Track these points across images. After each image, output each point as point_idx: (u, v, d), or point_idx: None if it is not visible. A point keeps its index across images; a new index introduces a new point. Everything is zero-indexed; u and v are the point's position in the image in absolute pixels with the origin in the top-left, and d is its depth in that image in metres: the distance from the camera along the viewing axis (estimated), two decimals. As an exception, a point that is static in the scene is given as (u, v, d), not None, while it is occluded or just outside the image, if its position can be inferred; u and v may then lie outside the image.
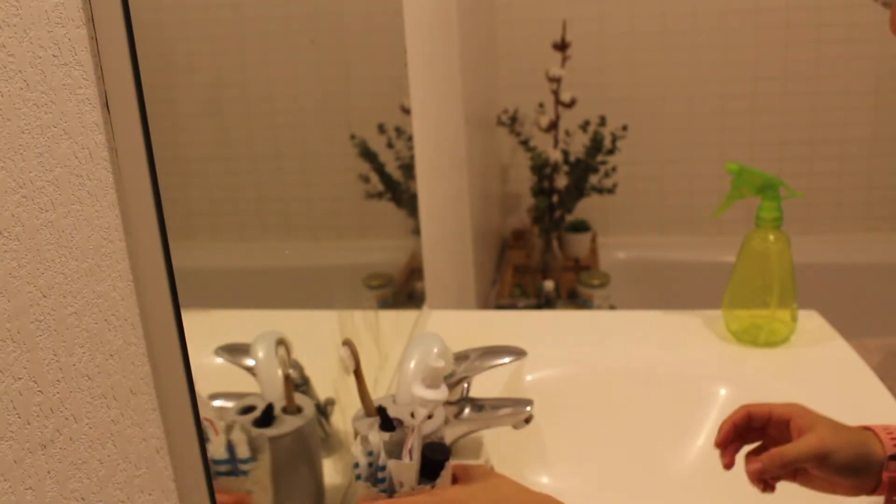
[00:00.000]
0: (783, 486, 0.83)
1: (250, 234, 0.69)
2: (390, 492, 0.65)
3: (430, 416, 0.71)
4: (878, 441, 0.65)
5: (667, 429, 0.96)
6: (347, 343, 0.69)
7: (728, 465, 0.72)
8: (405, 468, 0.65)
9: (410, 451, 0.66)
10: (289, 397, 0.69)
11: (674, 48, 2.49)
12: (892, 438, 0.65)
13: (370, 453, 0.67)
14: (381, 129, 1.04)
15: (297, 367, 0.73)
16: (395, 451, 0.68)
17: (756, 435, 0.72)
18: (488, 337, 0.93)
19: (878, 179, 2.53)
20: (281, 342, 0.69)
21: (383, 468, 0.65)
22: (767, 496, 0.81)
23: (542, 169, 2.38)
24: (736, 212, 1.12)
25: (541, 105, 2.40)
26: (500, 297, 2.33)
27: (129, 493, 0.48)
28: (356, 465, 0.66)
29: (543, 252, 2.43)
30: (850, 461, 0.65)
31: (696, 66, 2.50)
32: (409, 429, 0.68)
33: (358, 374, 0.70)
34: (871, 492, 0.66)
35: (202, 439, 0.53)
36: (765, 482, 0.69)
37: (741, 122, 2.54)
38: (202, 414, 0.57)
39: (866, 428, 0.67)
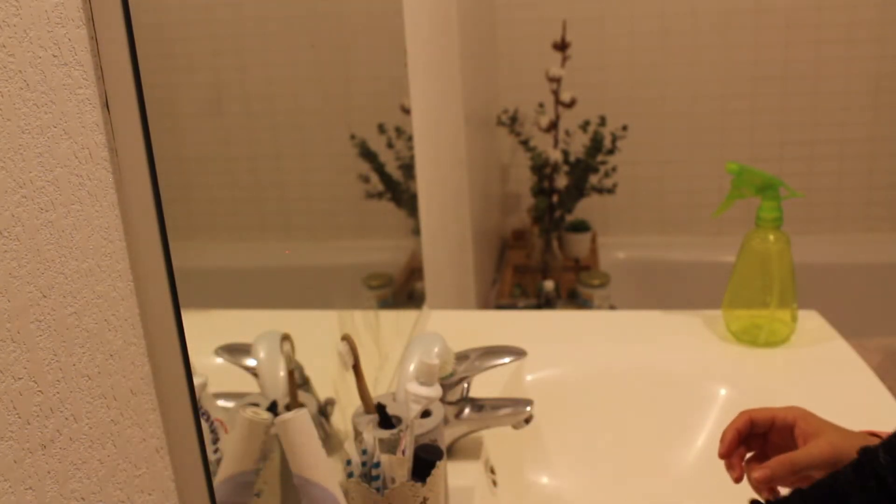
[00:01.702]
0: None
1: (250, 234, 0.69)
2: (383, 489, 0.66)
3: (427, 414, 0.71)
4: None
5: (667, 429, 0.96)
6: (346, 338, 0.69)
7: (738, 478, 0.68)
8: (398, 463, 0.66)
9: (404, 449, 0.66)
10: (292, 394, 0.69)
11: (674, 48, 2.49)
12: None
13: (364, 451, 0.67)
14: (381, 129, 1.04)
15: (298, 366, 0.73)
16: (390, 448, 0.68)
17: (758, 441, 0.70)
18: (488, 337, 0.93)
19: (878, 179, 2.53)
20: (286, 338, 0.69)
21: (377, 465, 0.66)
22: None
23: (542, 169, 2.38)
24: (736, 212, 1.12)
25: (541, 105, 2.40)
26: (500, 297, 2.33)
27: (129, 493, 0.48)
28: (348, 463, 0.66)
29: (543, 252, 2.43)
30: None
31: (696, 66, 2.50)
32: (404, 426, 0.68)
33: (357, 369, 0.70)
34: None
35: (202, 439, 0.53)
36: (771, 489, 0.67)
37: (741, 122, 2.54)
38: (213, 414, 0.57)
39: (872, 433, 0.65)
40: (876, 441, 0.62)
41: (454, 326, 1.14)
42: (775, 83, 2.49)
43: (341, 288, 0.90)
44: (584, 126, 2.41)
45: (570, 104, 2.33)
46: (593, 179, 2.38)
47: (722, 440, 0.69)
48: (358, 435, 0.70)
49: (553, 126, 2.36)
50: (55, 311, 0.42)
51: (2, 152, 0.38)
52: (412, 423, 0.67)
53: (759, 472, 0.65)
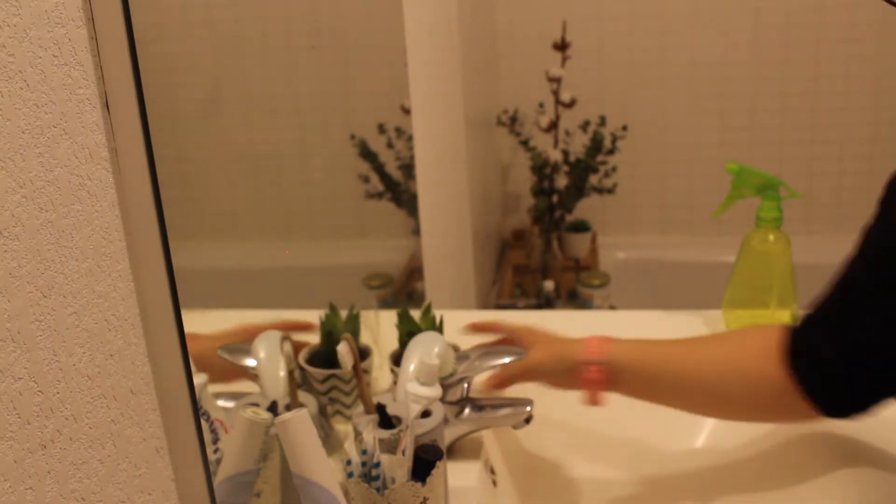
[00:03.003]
0: (781, 486, 0.83)
1: (250, 234, 0.69)
2: (383, 489, 0.66)
3: (427, 414, 0.71)
4: (584, 349, 0.83)
5: (666, 428, 0.96)
6: (346, 338, 0.69)
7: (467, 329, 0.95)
8: (398, 463, 0.66)
9: (404, 449, 0.66)
10: (293, 394, 0.69)
11: (674, 48, 2.49)
12: (594, 348, 0.82)
13: (364, 451, 0.67)
14: (381, 129, 1.04)
15: (298, 366, 0.73)
16: (390, 448, 0.68)
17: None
18: (488, 337, 0.93)
19: (878, 179, 2.52)
20: (286, 338, 0.69)
21: (378, 465, 0.66)
22: (768, 499, 0.81)
23: (542, 169, 2.38)
24: (736, 212, 1.12)
25: (541, 105, 2.40)
26: (500, 297, 2.33)
27: (129, 493, 0.48)
28: (348, 463, 0.66)
29: (543, 252, 2.43)
30: (555, 369, 0.85)
31: (696, 66, 2.50)
32: (404, 426, 0.68)
33: (356, 370, 0.70)
34: (581, 388, 0.84)
35: (202, 439, 0.53)
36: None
37: (741, 121, 2.54)
38: (213, 414, 0.57)
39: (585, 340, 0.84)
40: (575, 345, 0.84)
41: (454, 326, 1.14)
42: (775, 83, 2.49)
43: (341, 288, 0.90)
44: (584, 126, 2.41)
45: (570, 104, 2.33)
46: (593, 179, 2.38)
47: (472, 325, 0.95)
48: (358, 435, 0.70)
49: (553, 126, 2.36)
50: (55, 311, 0.42)
51: (2, 152, 0.38)
52: (412, 423, 0.67)
53: (488, 382, 0.88)
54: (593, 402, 0.84)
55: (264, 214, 0.71)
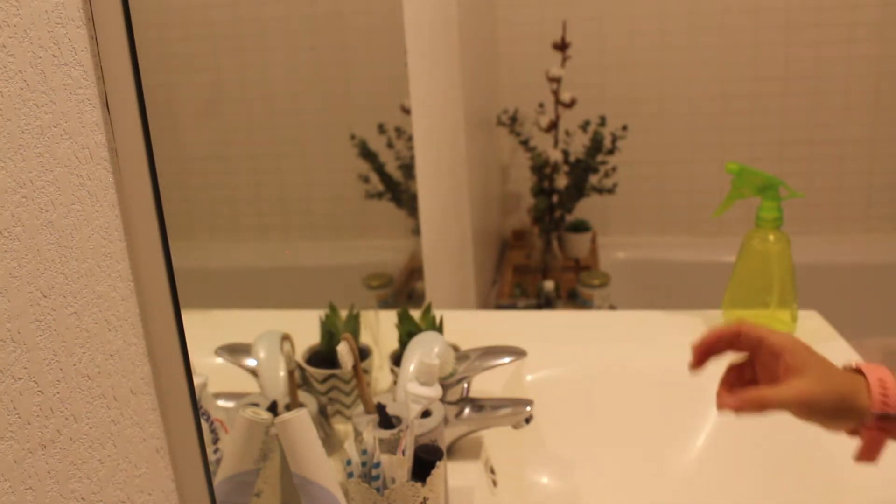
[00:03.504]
0: (782, 486, 0.83)
1: (250, 234, 0.69)
2: (383, 489, 0.66)
3: (427, 414, 0.71)
4: (868, 392, 0.64)
5: (666, 428, 0.96)
6: (346, 338, 0.69)
7: (692, 366, 0.70)
8: (398, 463, 0.66)
9: (404, 449, 0.66)
10: (293, 394, 0.69)
11: (674, 48, 2.49)
12: (883, 395, 0.63)
13: (364, 451, 0.67)
14: (381, 129, 1.04)
15: (298, 366, 0.73)
16: (390, 448, 0.68)
17: (746, 352, 0.70)
18: (488, 337, 0.93)
19: (878, 179, 2.53)
20: (286, 338, 0.69)
21: (378, 465, 0.66)
22: (770, 498, 0.81)
23: (542, 169, 2.38)
24: (736, 212, 1.12)
25: (541, 105, 2.40)
26: (500, 297, 2.33)
27: (129, 493, 0.48)
28: (348, 463, 0.67)
29: (543, 252, 2.43)
30: (834, 410, 0.64)
31: (696, 66, 2.50)
32: (404, 426, 0.68)
33: (357, 369, 0.70)
34: (849, 433, 0.66)
35: (202, 439, 0.53)
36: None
37: (741, 122, 2.54)
38: (213, 414, 0.57)
39: (858, 371, 0.66)
40: (860, 383, 0.64)
41: (454, 326, 1.14)
42: (775, 83, 2.49)
43: (341, 288, 0.90)
44: (584, 126, 2.41)
45: (570, 104, 2.33)
46: (593, 179, 2.38)
47: (701, 336, 0.69)
48: (358, 435, 0.70)
49: (553, 126, 2.36)
50: (55, 311, 0.42)
51: (2, 152, 0.38)
52: (412, 423, 0.67)
53: (725, 405, 0.65)
54: (870, 458, 0.65)
55: (264, 214, 0.71)
